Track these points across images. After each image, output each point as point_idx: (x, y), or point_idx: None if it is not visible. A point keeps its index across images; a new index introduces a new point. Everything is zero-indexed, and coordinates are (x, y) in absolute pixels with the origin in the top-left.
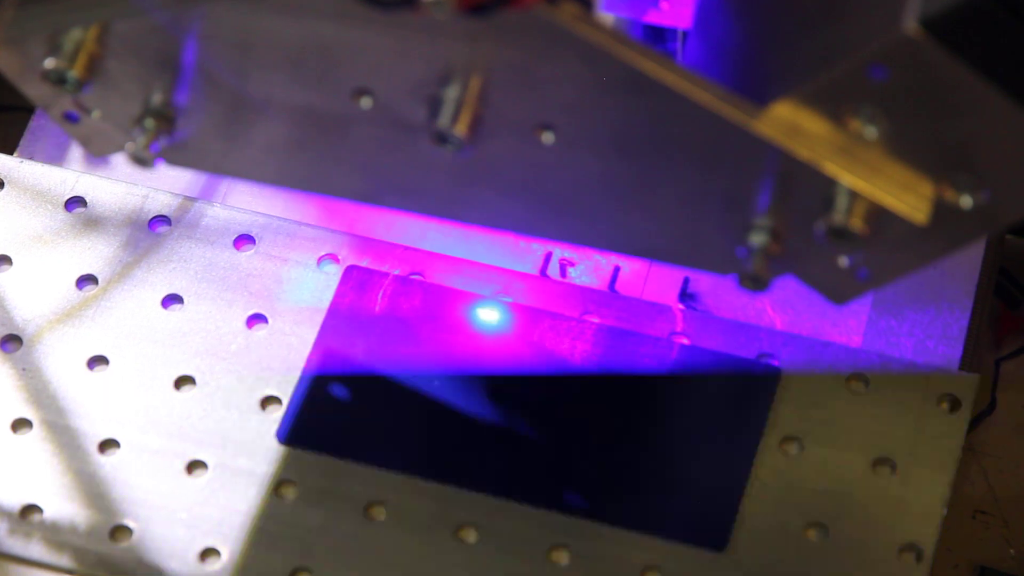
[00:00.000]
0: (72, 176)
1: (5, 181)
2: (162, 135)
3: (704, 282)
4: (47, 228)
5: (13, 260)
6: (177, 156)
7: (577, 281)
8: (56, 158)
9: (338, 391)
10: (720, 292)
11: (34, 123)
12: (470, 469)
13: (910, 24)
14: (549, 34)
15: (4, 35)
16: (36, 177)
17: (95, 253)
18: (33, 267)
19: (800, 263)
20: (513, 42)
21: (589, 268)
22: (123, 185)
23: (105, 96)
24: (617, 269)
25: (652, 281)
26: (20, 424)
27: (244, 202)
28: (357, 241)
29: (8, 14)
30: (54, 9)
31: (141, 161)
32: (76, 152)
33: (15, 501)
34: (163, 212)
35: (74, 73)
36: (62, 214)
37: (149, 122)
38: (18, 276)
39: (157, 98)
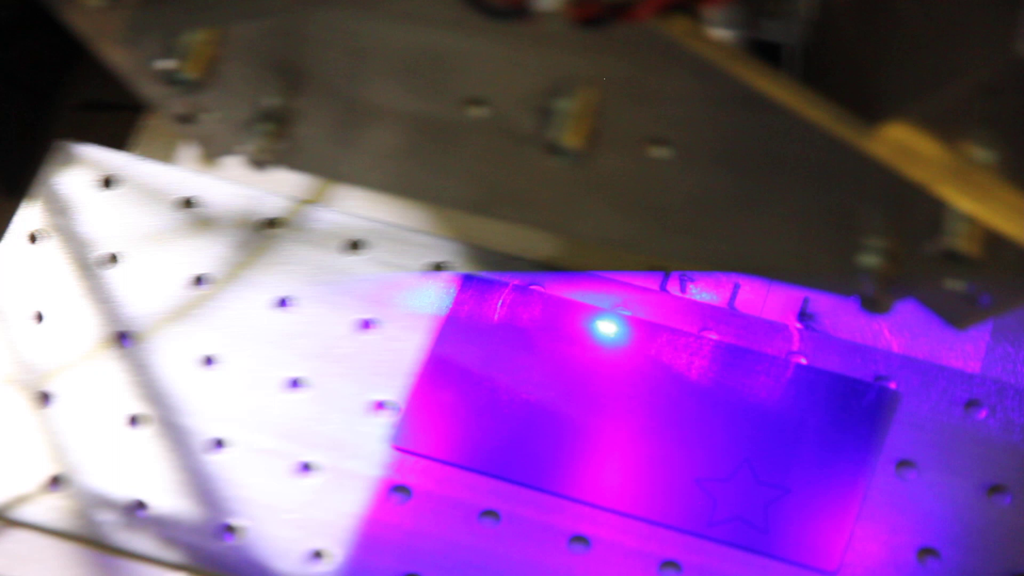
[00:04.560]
0: (185, 176)
1: (120, 179)
2: (275, 139)
3: (823, 303)
4: (160, 227)
5: (126, 257)
6: (290, 160)
7: (697, 297)
8: (168, 158)
9: (453, 398)
10: (839, 313)
11: (146, 122)
12: (582, 480)
13: (1022, 46)
14: (661, 48)
15: (121, 34)
16: (150, 176)
17: (207, 253)
18: (146, 265)
19: (920, 286)
20: (626, 55)
21: (709, 285)
22: (236, 186)
23: (219, 98)
24: (737, 287)
25: (771, 300)
26: (133, 420)
27: (358, 207)
28: (471, 250)
29: (126, 14)
30: (172, 11)
31: (254, 164)
32: (188, 152)
33: (126, 496)
34: (275, 215)
35: (189, 74)
36: (175, 213)
37: (263, 125)
38: (131, 273)
39: (271, 101)
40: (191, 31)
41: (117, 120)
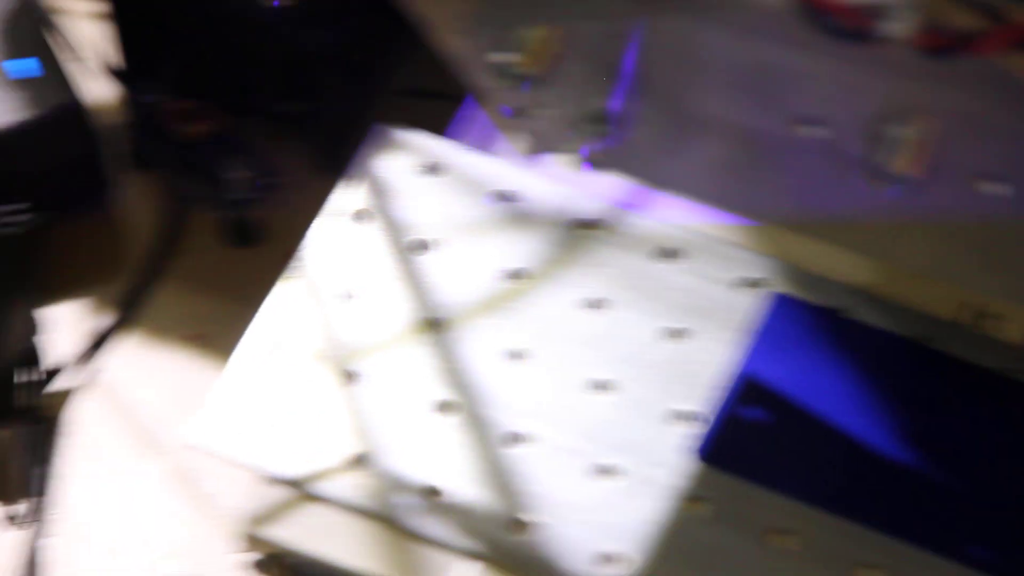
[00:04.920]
0: (505, 169)
1: (440, 166)
2: (599, 139)
3: None
4: (476, 217)
5: (442, 244)
6: (611, 162)
7: (1004, 335)
8: (485, 149)
9: (759, 415)
10: None
11: (467, 112)
12: (880, 509)
13: None
14: (1005, 84)
15: (461, 23)
16: (470, 166)
17: (521, 248)
18: (460, 254)
19: None
20: (968, 88)
21: (1020, 323)
22: (553, 184)
23: (552, 95)
24: None
25: None
26: (438, 406)
27: (674, 215)
28: (786, 268)
29: (469, 4)
30: (515, 5)
31: (577, 163)
32: (506, 145)
33: (424, 480)
34: (591, 216)
35: (526, 70)
36: (492, 205)
37: (593, 126)
38: (445, 261)
39: (597, 102)
40: (531, 27)
41: (438, 108)
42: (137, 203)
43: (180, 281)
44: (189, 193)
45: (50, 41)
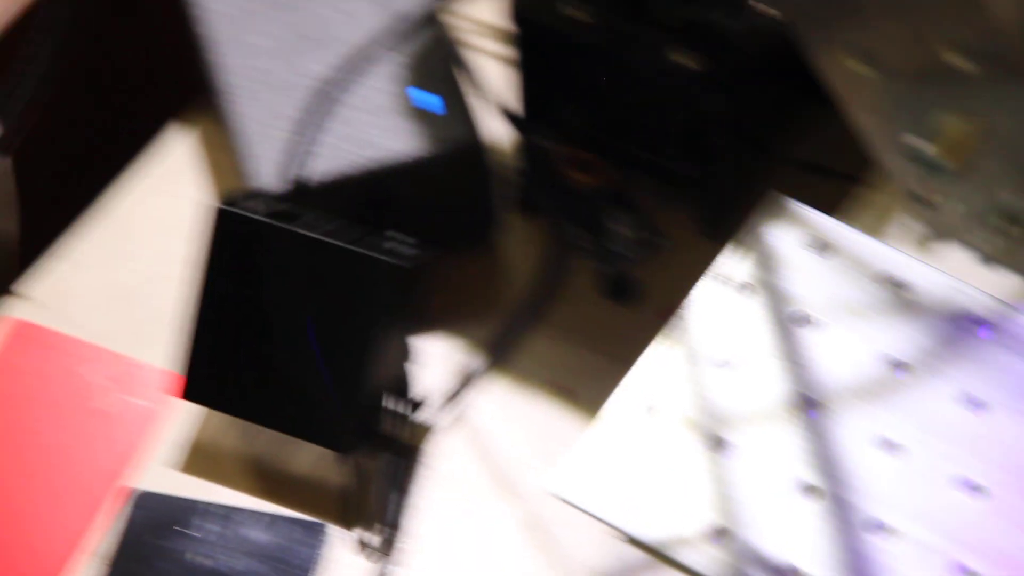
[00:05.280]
0: (895, 254)
1: (832, 244)
2: (1010, 238)
3: None
4: (859, 299)
5: (823, 324)
6: (1016, 261)
7: None
8: (876, 232)
9: None
10: None
11: (862, 193)
12: None
13: None
14: None
15: (876, 102)
16: (858, 246)
17: (907, 337)
18: (842, 336)
19: None
20: None
21: None
22: (948, 278)
23: (961, 187)
24: None
25: None
26: (803, 487)
27: None
28: None
29: (888, 84)
30: (935, 91)
31: (982, 258)
32: (902, 231)
33: (782, 561)
34: (982, 314)
35: (935, 157)
36: (880, 291)
37: (999, 221)
38: (826, 341)
39: (1014, 200)
40: (951, 114)
41: (832, 186)
42: (519, 246)
43: (553, 329)
44: (572, 242)
45: (457, 78)
